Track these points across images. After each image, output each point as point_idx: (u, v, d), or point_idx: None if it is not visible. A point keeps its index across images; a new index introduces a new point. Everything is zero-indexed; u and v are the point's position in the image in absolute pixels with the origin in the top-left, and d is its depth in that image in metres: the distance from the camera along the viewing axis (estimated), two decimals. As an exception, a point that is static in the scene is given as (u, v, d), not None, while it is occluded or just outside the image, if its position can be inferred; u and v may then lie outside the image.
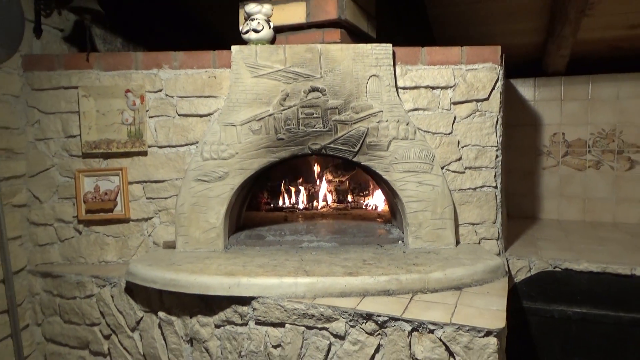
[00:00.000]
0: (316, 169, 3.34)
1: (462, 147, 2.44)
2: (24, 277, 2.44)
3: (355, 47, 2.34)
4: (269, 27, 2.44)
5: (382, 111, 2.34)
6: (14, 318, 2.31)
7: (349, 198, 3.37)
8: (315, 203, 3.32)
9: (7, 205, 2.35)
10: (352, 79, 2.33)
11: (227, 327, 2.04)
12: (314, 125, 2.35)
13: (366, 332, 1.83)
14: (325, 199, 3.35)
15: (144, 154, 2.48)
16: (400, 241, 2.50)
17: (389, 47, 2.34)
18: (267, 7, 2.45)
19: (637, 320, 2.31)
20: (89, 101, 2.42)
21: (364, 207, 3.30)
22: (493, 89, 2.41)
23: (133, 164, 2.48)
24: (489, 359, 1.68)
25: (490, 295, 1.97)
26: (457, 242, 2.45)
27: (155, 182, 2.49)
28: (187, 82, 2.44)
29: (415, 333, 1.77)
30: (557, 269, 2.43)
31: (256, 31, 2.40)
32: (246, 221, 2.84)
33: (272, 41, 2.50)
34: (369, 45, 2.34)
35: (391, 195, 2.53)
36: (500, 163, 2.45)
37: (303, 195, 3.35)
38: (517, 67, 3.59)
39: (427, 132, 2.42)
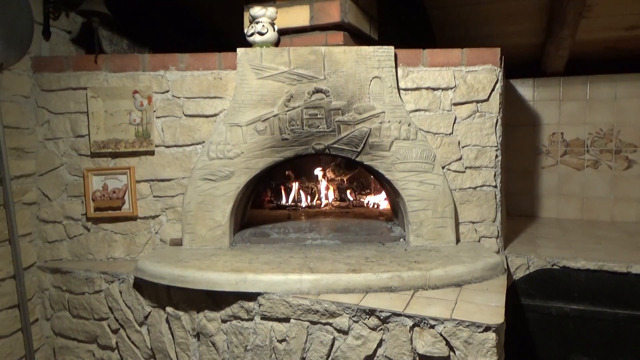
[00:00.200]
0: (319, 167, 3.39)
1: (463, 147, 2.49)
2: (33, 273, 2.50)
3: (358, 49, 2.39)
4: (274, 30, 2.49)
5: (384, 112, 2.39)
6: (24, 312, 2.37)
7: (351, 196, 3.42)
8: (317, 201, 3.38)
9: (18, 203, 2.41)
10: (355, 81, 2.39)
11: (234, 322, 2.10)
12: (318, 126, 2.41)
13: (369, 327, 1.89)
14: (327, 198, 3.40)
15: (151, 153, 2.53)
16: (401, 239, 2.55)
17: (390, 49, 2.39)
18: (271, 10, 2.50)
19: (634, 316, 2.36)
20: (97, 102, 2.48)
21: (365, 205, 3.35)
22: (493, 90, 2.46)
23: (140, 163, 2.54)
24: (488, 354, 1.74)
25: (489, 292, 2.02)
26: (458, 240, 2.51)
27: (162, 180, 2.54)
28: (194, 84, 2.49)
29: (416, 328, 1.82)
30: (555, 267, 2.48)
31: (261, 34, 2.45)
32: (250, 219, 2.89)
33: (277, 43, 2.55)
34: (371, 48, 2.39)
35: (393, 194, 2.59)
36: (499, 163, 2.51)
37: (306, 194, 3.40)
38: (516, 67, 3.64)
39: (428, 132, 2.47)
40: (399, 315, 1.84)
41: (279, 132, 2.41)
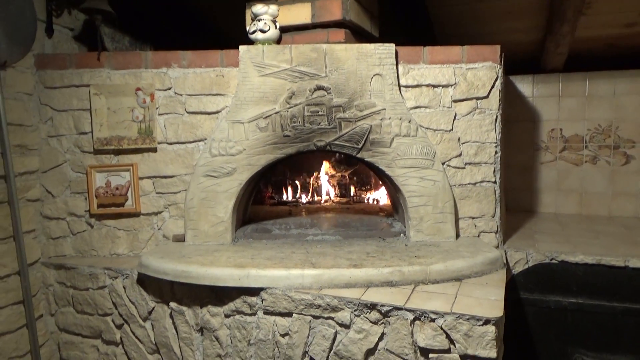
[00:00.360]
0: (320, 164, 3.41)
1: (463, 144, 2.51)
2: (37, 269, 2.52)
3: (359, 46, 2.41)
4: (275, 28, 2.51)
5: (385, 109, 2.41)
6: (29, 308, 2.39)
7: (352, 192, 3.45)
8: (318, 197, 3.40)
9: (22, 199, 2.43)
10: (356, 78, 2.41)
11: (237, 316, 2.12)
12: (319, 123, 2.43)
13: (370, 321, 1.92)
14: (328, 193, 3.43)
15: (154, 150, 2.55)
16: (402, 234, 2.58)
17: (391, 46, 2.41)
18: (273, 8, 2.51)
19: (630, 309, 2.39)
20: (100, 99, 2.50)
21: (366, 201, 3.38)
22: (492, 87, 2.48)
23: (143, 159, 2.56)
24: (487, 346, 1.77)
25: (488, 286, 2.05)
26: (457, 235, 2.53)
27: (165, 177, 2.56)
28: (196, 81, 2.51)
29: (417, 322, 1.85)
30: (553, 261, 2.50)
31: (263, 31, 2.47)
32: (252, 215, 2.92)
33: (279, 41, 2.56)
34: (372, 45, 2.41)
35: (393, 190, 2.61)
36: (499, 159, 2.53)
37: (307, 190, 3.42)
38: (516, 64, 3.66)
39: (428, 129, 2.49)
40: (400, 309, 1.87)
41: (280, 129, 2.44)
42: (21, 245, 2.36)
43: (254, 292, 2.07)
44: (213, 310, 2.16)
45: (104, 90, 2.50)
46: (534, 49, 3.68)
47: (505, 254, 2.54)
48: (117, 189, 2.54)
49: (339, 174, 3.45)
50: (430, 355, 1.85)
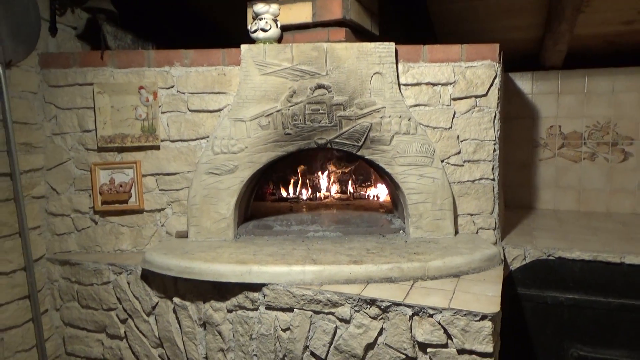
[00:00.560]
0: (321, 161, 3.44)
1: (462, 141, 2.54)
2: (43, 264, 2.56)
3: (360, 45, 2.43)
4: (277, 26, 2.53)
5: (385, 107, 2.44)
6: (35, 303, 2.43)
7: (352, 189, 3.48)
8: (318, 194, 3.44)
9: (27, 196, 2.47)
10: (356, 77, 2.43)
11: (239, 312, 2.16)
12: (320, 121, 2.46)
13: (370, 317, 1.95)
14: (328, 190, 3.46)
15: (157, 148, 2.58)
16: (401, 231, 2.62)
17: (391, 45, 2.43)
18: (274, 7, 2.54)
19: (626, 305, 2.42)
20: (103, 97, 2.53)
21: (366, 197, 3.41)
22: (491, 85, 2.50)
23: (146, 157, 2.59)
24: (484, 341, 1.80)
25: (486, 282, 2.08)
26: (456, 232, 2.57)
27: (168, 174, 2.60)
28: (198, 79, 2.54)
29: (415, 317, 1.89)
30: (551, 258, 2.53)
31: (264, 30, 2.50)
32: (253, 211, 2.95)
33: (280, 40, 2.59)
34: (372, 44, 2.43)
35: (393, 187, 2.65)
36: (497, 156, 2.56)
37: (307, 186, 3.45)
38: (515, 61, 3.67)
39: (427, 126, 2.52)
40: (399, 304, 1.90)
41: (282, 127, 2.47)
42: (27, 241, 2.39)
43: (256, 287, 2.11)
44: (216, 306, 2.20)
45: (107, 89, 2.53)
46: (533, 46, 3.70)
47: (503, 250, 2.57)
48: (120, 186, 2.58)
49: (340, 171, 3.48)
50: (428, 349, 1.89)
